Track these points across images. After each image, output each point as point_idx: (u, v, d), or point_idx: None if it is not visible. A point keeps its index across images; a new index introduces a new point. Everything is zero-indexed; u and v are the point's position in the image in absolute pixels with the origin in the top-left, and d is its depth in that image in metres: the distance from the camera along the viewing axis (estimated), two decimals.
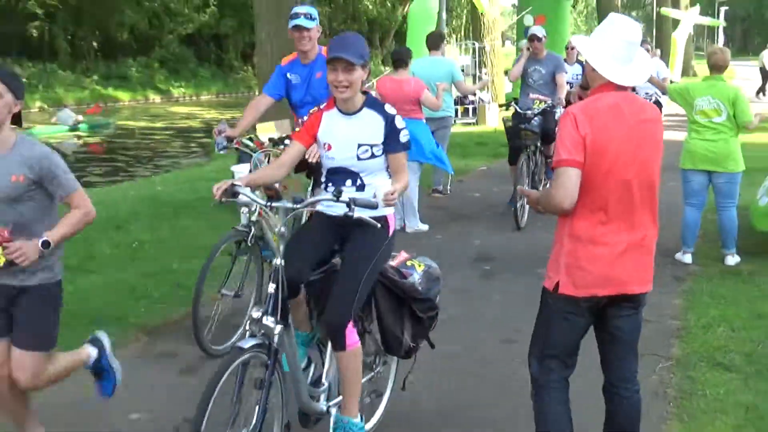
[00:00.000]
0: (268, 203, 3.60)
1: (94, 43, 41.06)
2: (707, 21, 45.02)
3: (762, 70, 30.85)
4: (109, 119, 29.40)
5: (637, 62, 3.31)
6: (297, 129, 5.72)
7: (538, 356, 3.45)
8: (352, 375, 3.75)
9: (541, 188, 8.87)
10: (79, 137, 25.88)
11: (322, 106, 4.06)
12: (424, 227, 9.34)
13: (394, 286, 3.81)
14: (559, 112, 8.71)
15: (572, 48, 11.29)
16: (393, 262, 3.93)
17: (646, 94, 11.84)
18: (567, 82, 10.33)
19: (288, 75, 5.84)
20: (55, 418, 4.31)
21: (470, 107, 20.93)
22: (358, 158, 3.79)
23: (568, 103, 9.63)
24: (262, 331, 3.35)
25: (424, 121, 9.04)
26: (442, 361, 5.45)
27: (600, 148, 3.14)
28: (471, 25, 24.84)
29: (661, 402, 4.81)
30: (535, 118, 8.63)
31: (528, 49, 9.69)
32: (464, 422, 4.57)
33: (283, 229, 3.51)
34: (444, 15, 14.84)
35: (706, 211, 7.86)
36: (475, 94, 19.96)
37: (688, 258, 7.86)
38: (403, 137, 3.87)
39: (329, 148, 3.87)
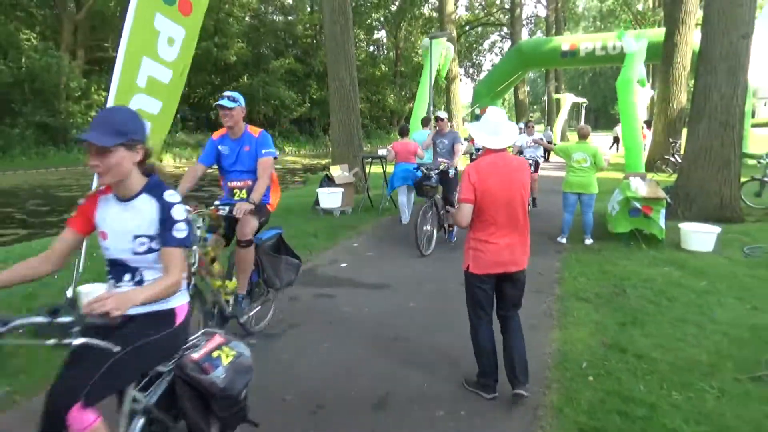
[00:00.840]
0: None
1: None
2: (579, 100, 44.95)
3: (615, 137, 30.35)
4: None
5: (503, 134, 3.25)
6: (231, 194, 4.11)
7: (471, 308, 3.39)
8: None
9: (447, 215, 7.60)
10: None
11: (102, 188, 2.12)
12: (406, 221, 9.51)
13: (194, 382, 2.06)
14: (452, 172, 7.62)
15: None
16: (196, 354, 2.09)
17: (530, 156, 11.01)
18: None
19: (219, 147, 4.13)
20: None
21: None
22: (134, 252, 2.03)
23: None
24: None
25: (416, 164, 8.98)
26: (426, 293, 5.42)
27: (484, 189, 3.16)
28: (446, 110, 24.64)
29: (548, 319, 4.75)
30: (434, 177, 7.24)
31: (435, 127, 8.38)
32: (439, 326, 4.54)
33: None
34: (431, 108, 14.75)
35: (575, 214, 7.78)
36: None
37: (564, 240, 7.75)
38: (179, 231, 2.02)
39: (104, 237, 2.07)
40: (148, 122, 4.80)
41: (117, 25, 29.45)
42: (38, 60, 24.18)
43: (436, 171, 7.40)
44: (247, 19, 40.51)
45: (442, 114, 8.23)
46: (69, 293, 4.28)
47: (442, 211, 7.53)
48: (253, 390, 3.39)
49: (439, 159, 8.04)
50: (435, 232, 7.45)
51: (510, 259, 3.23)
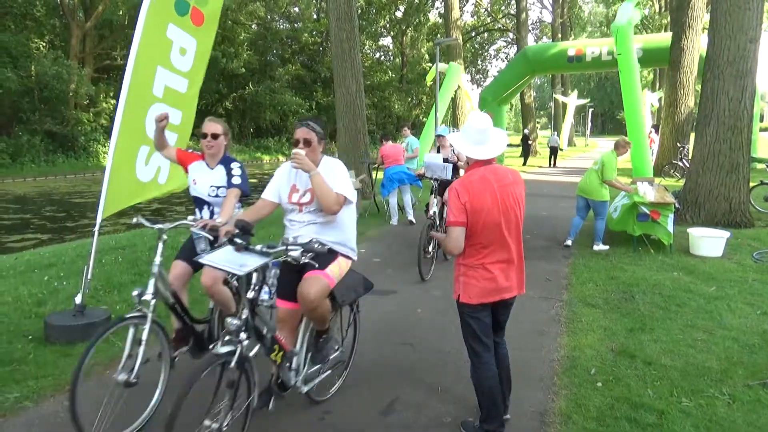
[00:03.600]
0: None
1: (251, 129, 41.48)
2: (582, 102, 44.77)
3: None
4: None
5: (490, 143, 2.84)
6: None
7: (470, 342, 2.93)
8: None
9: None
10: None
11: None
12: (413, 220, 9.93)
13: None
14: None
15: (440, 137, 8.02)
16: None
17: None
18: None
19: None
20: None
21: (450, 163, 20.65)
22: None
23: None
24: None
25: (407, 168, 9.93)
26: (433, 299, 5.41)
27: (476, 209, 2.73)
28: (452, 118, 24.60)
29: (557, 325, 4.73)
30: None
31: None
32: (446, 331, 4.53)
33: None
34: (439, 115, 14.78)
35: (588, 220, 7.77)
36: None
37: (569, 242, 7.77)
38: None
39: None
40: (174, 133, 4.84)
41: (125, 34, 29.70)
42: (48, 68, 24.40)
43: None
44: (253, 26, 40.77)
45: (444, 131, 7.22)
46: (78, 299, 4.30)
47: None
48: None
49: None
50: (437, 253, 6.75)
51: (506, 285, 2.86)
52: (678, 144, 16.92)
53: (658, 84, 31.72)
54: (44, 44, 27.81)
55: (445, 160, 7.08)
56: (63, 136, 26.47)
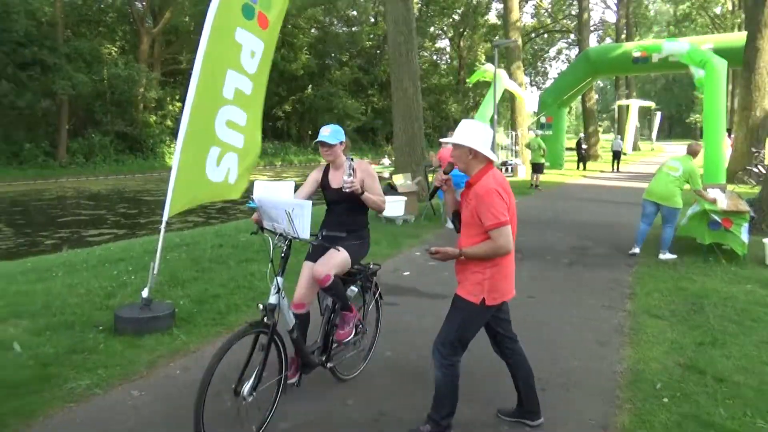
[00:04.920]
0: None
1: (309, 131, 42.27)
2: (646, 104, 43.12)
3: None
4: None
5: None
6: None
7: (459, 345, 2.93)
8: None
9: None
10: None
11: None
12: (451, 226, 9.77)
13: None
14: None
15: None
16: None
17: None
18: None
19: None
20: None
21: (509, 166, 20.32)
22: None
23: None
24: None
25: None
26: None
27: (511, 208, 2.85)
28: (511, 121, 24.23)
29: (620, 336, 4.56)
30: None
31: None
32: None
33: None
34: (495, 117, 14.60)
35: (654, 227, 7.46)
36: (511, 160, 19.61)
37: (637, 250, 7.47)
38: None
39: None
40: (240, 134, 4.96)
41: (191, 39, 30.92)
42: (121, 71, 25.76)
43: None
44: (312, 30, 41.57)
45: (330, 137, 3.55)
46: (145, 293, 4.50)
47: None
48: (315, 394, 3.45)
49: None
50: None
51: (513, 284, 3.01)
52: (752, 149, 16.05)
53: (731, 86, 30.13)
54: (115, 50, 29.36)
55: (335, 190, 3.63)
56: (132, 137, 27.89)
